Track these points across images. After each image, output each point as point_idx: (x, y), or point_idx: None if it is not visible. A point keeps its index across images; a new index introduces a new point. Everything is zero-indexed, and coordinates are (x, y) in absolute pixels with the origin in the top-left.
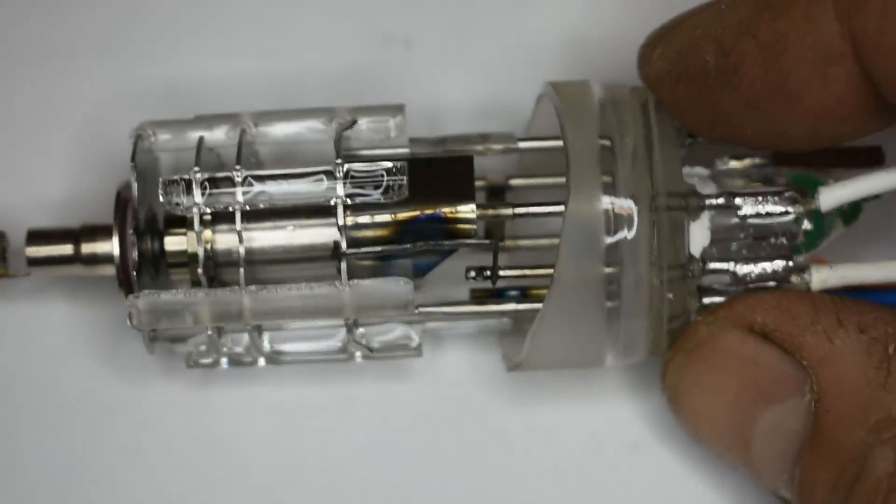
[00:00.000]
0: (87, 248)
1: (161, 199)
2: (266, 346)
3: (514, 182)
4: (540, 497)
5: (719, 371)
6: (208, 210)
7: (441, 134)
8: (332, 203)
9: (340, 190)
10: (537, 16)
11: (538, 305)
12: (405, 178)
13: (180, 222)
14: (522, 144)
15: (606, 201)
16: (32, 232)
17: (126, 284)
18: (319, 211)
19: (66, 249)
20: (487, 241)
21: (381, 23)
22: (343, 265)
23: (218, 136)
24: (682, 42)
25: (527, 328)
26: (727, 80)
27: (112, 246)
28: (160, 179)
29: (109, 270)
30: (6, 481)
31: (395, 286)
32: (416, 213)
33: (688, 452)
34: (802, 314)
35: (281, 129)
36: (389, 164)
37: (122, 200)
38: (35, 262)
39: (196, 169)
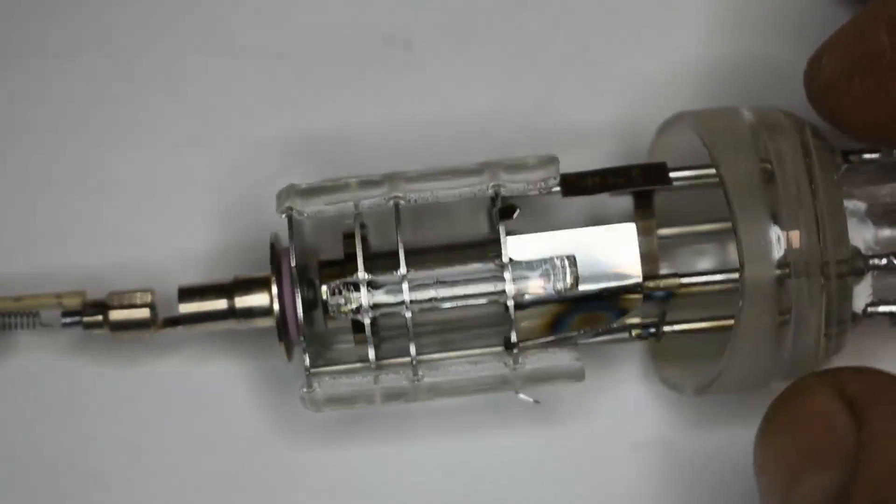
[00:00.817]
0: (242, 300)
1: (329, 304)
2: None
3: (665, 232)
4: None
5: (796, 418)
6: (373, 314)
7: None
8: (501, 303)
9: (510, 288)
10: (542, 17)
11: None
12: (575, 270)
13: (336, 271)
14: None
15: (780, 267)
16: (184, 289)
17: (286, 332)
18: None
19: (220, 304)
20: (653, 322)
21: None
22: (514, 353)
23: (366, 199)
24: (849, 38)
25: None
26: None
27: (269, 297)
28: (325, 287)
29: (266, 322)
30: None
31: (565, 363)
32: (583, 297)
33: (689, 454)
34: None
35: (434, 187)
36: (557, 261)
37: (276, 251)
38: (187, 319)
39: (363, 274)
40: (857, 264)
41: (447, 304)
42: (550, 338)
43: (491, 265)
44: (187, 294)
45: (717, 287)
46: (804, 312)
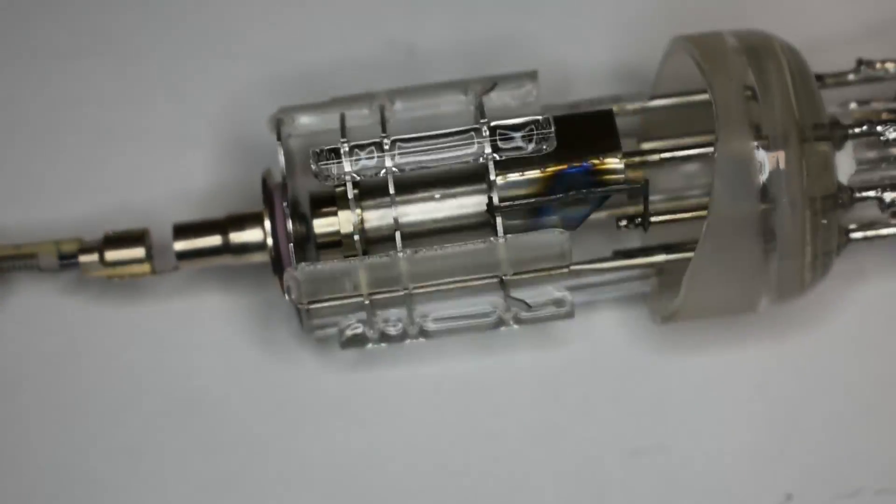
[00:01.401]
0: (236, 237)
1: (312, 167)
2: (418, 320)
3: (648, 146)
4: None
5: None
6: (359, 178)
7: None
8: (483, 160)
9: (489, 147)
10: (541, 19)
11: (689, 254)
12: (552, 129)
13: (327, 203)
14: (657, 102)
15: (755, 138)
16: (178, 226)
17: (280, 265)
18: (467, 179)
19: (214, 241)
20: (638, 185)
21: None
22: (498, 219)
23: (356, 115)
24: None
25: (674, 285)
26: None
27: (262, 232)
28: (311, 150)
29: (260, 257)
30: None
31: (551, 236)
32: (564, 165)
33: (688, 459)
34: None
35: (419, 104)
36: (536, 118)
37: (268, 185)
38: (183, 255)
39: (343, 140)
40: (835, 132)
41: (428, 165)
42: (532, 199)
43: (472, 133)
44: (182, 231)
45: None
46: (783, 182)
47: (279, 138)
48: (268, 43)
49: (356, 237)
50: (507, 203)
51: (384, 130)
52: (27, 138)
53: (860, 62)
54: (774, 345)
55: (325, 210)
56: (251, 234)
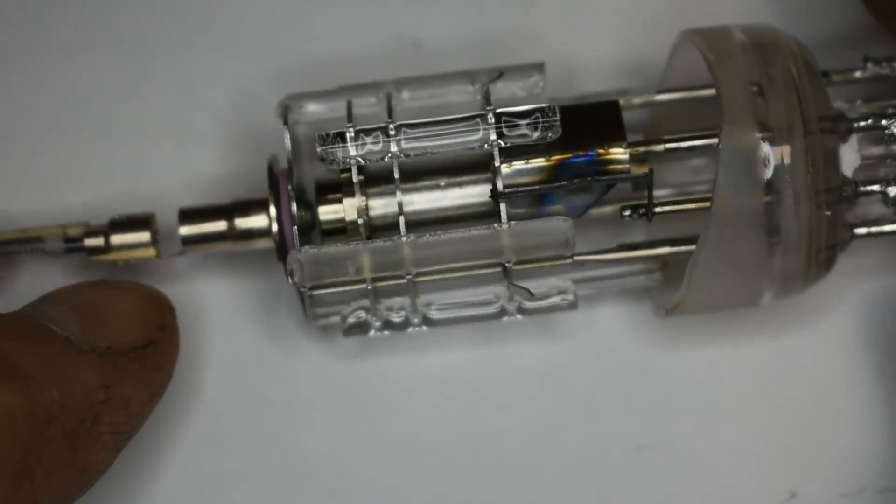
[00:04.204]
0: (241, 223)
1: (317, 150)
2: (421, 309)
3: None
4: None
5: None
6: (363, 162)
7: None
8: (488, 147)
9: (494, 134)
10: (548, 14)
11: (692, 247)
12: (557, 117)
13: (332, 190)
14: (663, 96)
15: (760, 130)
16: (184, 211)
17: (284, 251)
18: (472, 168)
19: (220, 226)
20: (643, 175)
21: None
22: (502, 205)
23: (363, 104)
24: None
25: (678, 280)
26: None
27: (267, 218)
28: (316, 134)
29: (265, 244)
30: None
31: (555, 223)
32: (569, 154)
33: (692, 456)
34: None
35: (426, 93)
36: (541, 106)
37: (274, 171)
38: (188, 240)
39: (349, 124)
40: (840, 125)
41: (433, 150)
42: (536, 186)
43: (477, 119)
44: (188, 216)
45: (698, 151)
46: (787, 174)
47: (286, 124)
48: (276, 35)
49: (360, 221)
50: (511, 190)
51: (390, 116)
52: (34, 128)
53: (866, 59)
54: (780, 342)
55: (330, 197)
56: (256, 220)
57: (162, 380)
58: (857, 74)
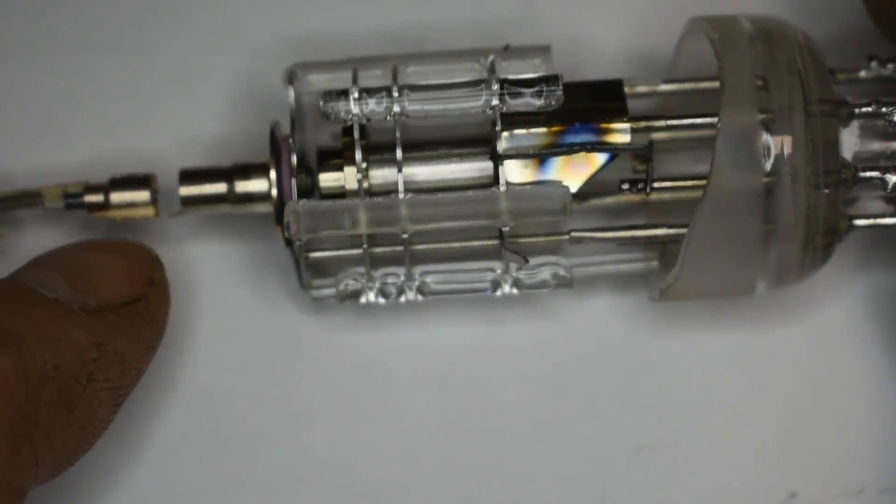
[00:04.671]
0: (241, 186)
1: (321, 106)
2: (416, 277)
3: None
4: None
5: None
6: (366, 120)
7: None
8: (489, 112)
9: (496, 99)
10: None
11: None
12: (560, 86)
13: (334, 157)
14: (668, 86)
15: (761, 110)
16: (185, 172)
17: (282, 215)
18: (474, 142)
19: (220, 188)
20: (642, 147)
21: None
22: (500, 167)
23: (369, 77)
24: None
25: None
26: None
27: (267, 182)
28: (321, 91)
29: (264, 208)
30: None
31: (553, 188)
32: (570, 124)
33: (692, 456)
34: None
35: (432, 69)
36: (545, 75)
37: (276, 136)
38: (188, 201)
39: (354, 85)
40: (842, 109)
41: (437, 108)
42: (534, 153)
43: (481, 84)
44: (188, 177)
45: (699, 133)
46: (786, 155)
47: (291, 87)
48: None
49: (359, 177)
50: (510, 152)
51: (394, 81)
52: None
53: (871, 58)
54: (780, 344)
55: (331, 163)
56: (256, 184)
57: (155, 333)
58: (862, 74)
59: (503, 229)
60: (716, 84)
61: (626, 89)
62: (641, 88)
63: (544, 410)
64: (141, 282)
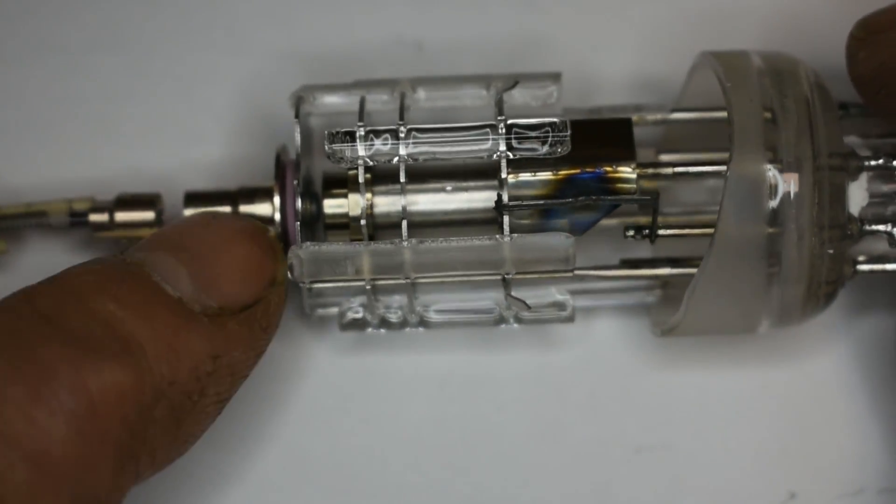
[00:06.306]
0: (246, 209)
1: (326, 148)
2: (419, 309)
3: (666, 158)
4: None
5: None
6: (371, 163)
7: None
8: (496, 157)
9: (503, 145)
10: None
11: (693, 270)
12: (568, 133)
13: (339, 184)
14: (678, 115)
15: (769, 161)
16: (190, 194)
17: (286, 241)
18: (480, 174)
19: (224, 211)
20: (648, 197)
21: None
22: (505, 218)
23: (376, 100)
24: (886, 52)
25: (678, 298)
26: None
27: (271, 207)
28: (326, 131)
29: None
30: None
31: (556, 239)
32: (577, 170)
33: (691, 457)
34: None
35: (440, 94)
36: (553, 120)
37: (281, 162)
38: None
39: (360, 123)
40: (851, 163)
41: (442, 157)
42: (541, 201)
43: (488, 129)
44: (193, 199)
45: (706, 176)
46: (793, 207)
47: (297, 116)
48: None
49: (363, 221)
50: (515, 203)
51: (402, 118)
52: (42, 100)
53: (842, 105)
54: (780, 344)
55: (336, 192)
56: (261, 208)
57: (268, 341)
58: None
59: (506, 276)
60: (724, 114)
61: (635, 118)
62: (651, 118)
63: (544, 410)
64: (263, 281)
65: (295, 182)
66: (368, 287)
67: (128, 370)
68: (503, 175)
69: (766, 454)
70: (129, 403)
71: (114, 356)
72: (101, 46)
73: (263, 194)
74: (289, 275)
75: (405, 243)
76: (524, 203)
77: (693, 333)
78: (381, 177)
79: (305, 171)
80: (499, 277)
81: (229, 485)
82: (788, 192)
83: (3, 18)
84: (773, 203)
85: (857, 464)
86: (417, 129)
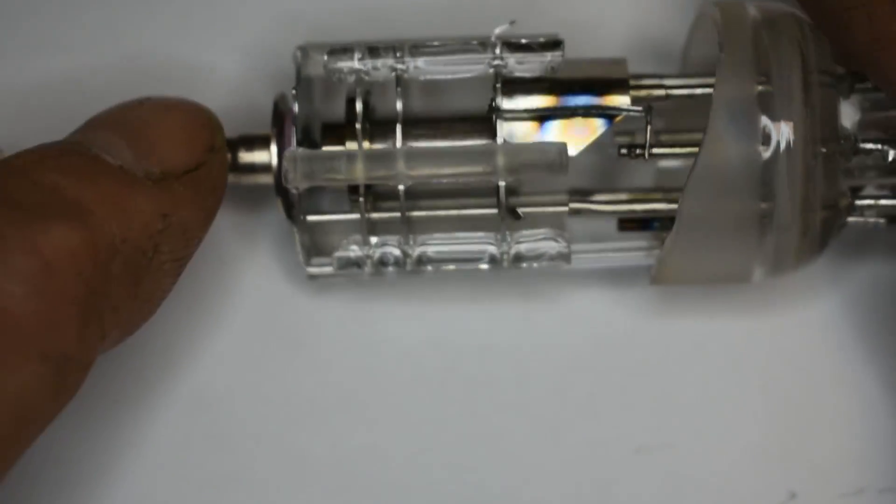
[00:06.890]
0: (245, 156)
1: (323, 61)
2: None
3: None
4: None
5: None
6: (367, 76)
7: None
8: (490, 68)
9: (498, 51)
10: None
11: None
12: (562, 51)
13: (338, 132)
14: (674, 80)
15: (759, 82)
16: None
17: (282, 189)
18: (475, 121)
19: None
20: (640, 108)
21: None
22: (498, 122)
23: (377, 60)
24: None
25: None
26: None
27: (268, 154)
28: (326, 51)
29: (266, 179)
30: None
31: (548, 143)
32: (571, 91)
33: (692, 456)
34: None
35: (439, 51)
36: (545, 40)
37: (279, 109)
38: None
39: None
40: (842, 79)
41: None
42: (533, 108)
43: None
44: None
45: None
46: (785, 125)
47: (298, 71)
48: None
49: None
50: (509, 110)
51: (399, 50)
52: (42, 100)
53: None
54: (780, 344)
55: (335, 138)
56: (259, 156)
57: (216, 201)
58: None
59: (500, 184)
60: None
61: (632, 82)
62: (647, 82)
63: (544, 410)
64: (202, 147)
65: (294, 117)
66: (362, 200)
67: (77, 229)
68: (497, 84)
69: (766, 453)
70: (83, 260)
71: (62, 217)
72: (104, 18)
73: (261, 142)
74: (284, 181)
75: (398, 145)
76: (517, 110)
77: (684, 277)
78: (379, 123)
79: (305, 121)
80: (493, 210)
81: (229, 485)
82: (778, 107)
83: (4, 18)
84: (763, 118)
85: (858, 464)
86: (414, 47)
